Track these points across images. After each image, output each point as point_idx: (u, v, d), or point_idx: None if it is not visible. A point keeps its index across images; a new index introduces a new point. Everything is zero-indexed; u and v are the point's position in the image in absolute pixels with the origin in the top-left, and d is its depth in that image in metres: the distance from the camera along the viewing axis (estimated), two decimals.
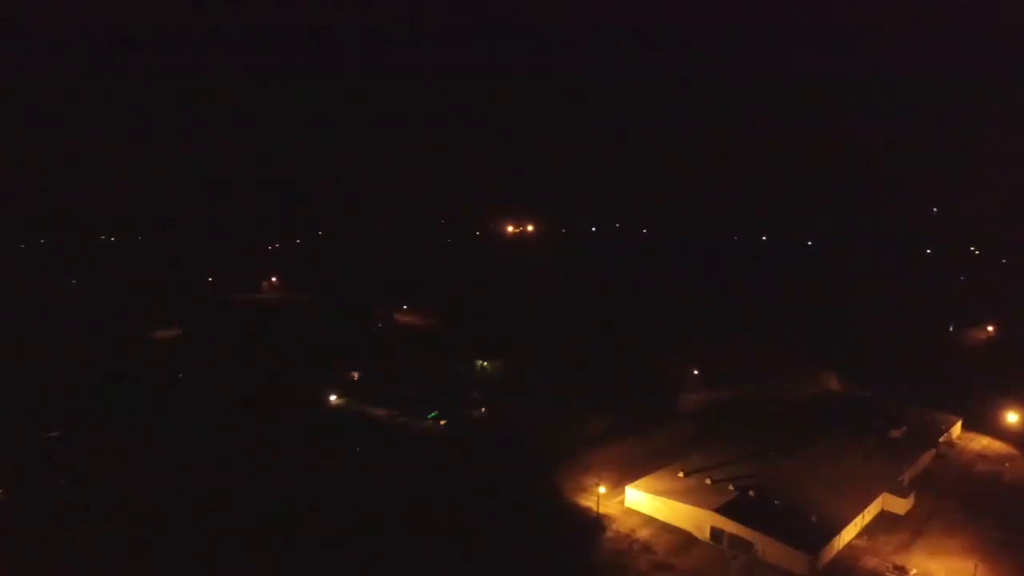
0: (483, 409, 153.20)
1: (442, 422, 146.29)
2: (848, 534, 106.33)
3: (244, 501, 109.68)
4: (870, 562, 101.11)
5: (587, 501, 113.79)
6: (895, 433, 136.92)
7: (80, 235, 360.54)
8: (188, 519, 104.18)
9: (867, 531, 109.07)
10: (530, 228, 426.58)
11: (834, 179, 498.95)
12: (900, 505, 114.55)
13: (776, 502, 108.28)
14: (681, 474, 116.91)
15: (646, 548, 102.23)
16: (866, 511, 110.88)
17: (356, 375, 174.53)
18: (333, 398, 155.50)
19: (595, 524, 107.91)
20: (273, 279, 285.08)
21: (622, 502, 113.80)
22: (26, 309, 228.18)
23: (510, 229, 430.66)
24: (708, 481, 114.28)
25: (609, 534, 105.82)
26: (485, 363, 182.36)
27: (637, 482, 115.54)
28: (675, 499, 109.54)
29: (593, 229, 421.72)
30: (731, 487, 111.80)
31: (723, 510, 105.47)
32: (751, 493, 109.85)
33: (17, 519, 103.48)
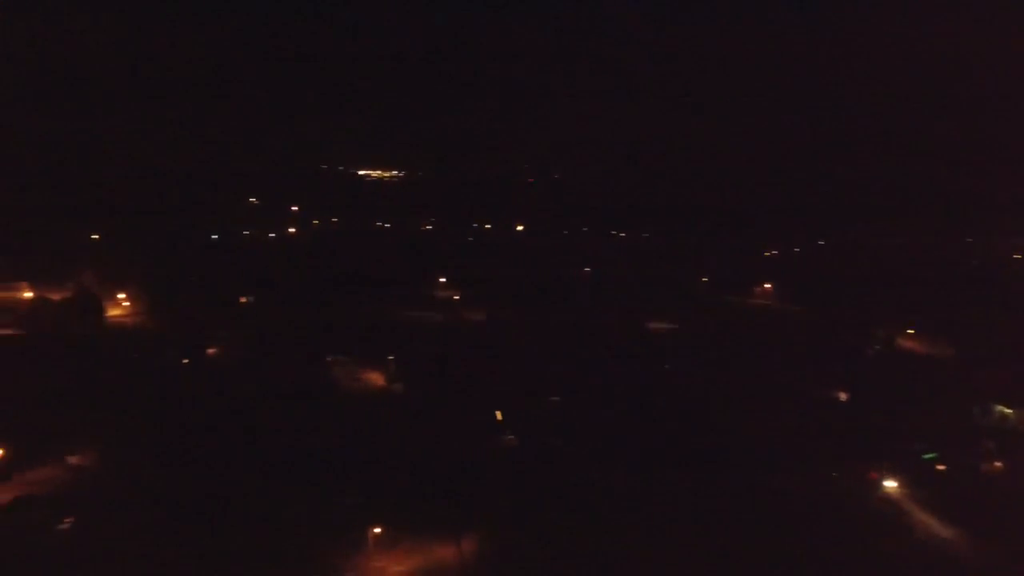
0: (996, 463, 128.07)
1: (940, 467, 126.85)
2: None
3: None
4: None
5: None
6: None
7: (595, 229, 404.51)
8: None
9: None
10: None
11: None
12: None
13: None
14: None
15: None
16: None
17: (844, 396, 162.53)
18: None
19: None
20: (767, 285, 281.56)
21: None
22: (539, 293, 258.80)
23: None
24: None
25: None
26: (1008, 410, 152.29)
27: None
28: None
29: None
30: None
31: None
32: None
33: None
